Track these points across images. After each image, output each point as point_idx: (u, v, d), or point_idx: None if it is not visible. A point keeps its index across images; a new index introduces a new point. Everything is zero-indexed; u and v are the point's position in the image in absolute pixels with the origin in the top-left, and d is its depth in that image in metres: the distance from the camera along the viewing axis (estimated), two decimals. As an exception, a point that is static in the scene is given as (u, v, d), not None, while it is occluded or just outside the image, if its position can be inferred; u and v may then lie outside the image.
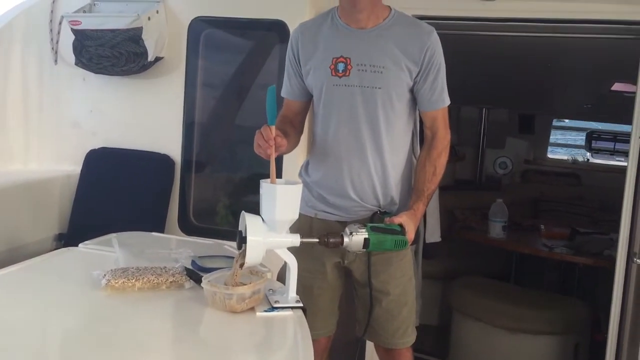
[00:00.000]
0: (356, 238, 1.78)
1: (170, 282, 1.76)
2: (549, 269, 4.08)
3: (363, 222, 1.87)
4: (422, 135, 2.16)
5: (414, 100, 2.06)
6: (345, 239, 1.78)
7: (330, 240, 1.78)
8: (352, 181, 2.02)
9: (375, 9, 2.00)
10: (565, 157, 5.60)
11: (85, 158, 3.13)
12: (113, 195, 3.05)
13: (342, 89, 1.98)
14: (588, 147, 5.47)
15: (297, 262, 1.70)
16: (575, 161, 5.39)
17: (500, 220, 3.81)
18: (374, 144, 2.00)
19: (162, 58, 2.99)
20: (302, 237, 1.72)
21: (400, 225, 1.88)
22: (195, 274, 1.83)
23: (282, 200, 1.64)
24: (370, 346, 2.42)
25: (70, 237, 2.97)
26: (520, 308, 3.40)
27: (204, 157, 3.15)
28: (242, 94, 3.10)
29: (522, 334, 3.33)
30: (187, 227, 2.98)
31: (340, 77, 1.98)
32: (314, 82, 2.05)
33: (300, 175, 2.17)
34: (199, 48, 2.97)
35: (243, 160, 3.18)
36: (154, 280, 1.75)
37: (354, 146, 2.01)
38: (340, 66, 1.97)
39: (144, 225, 2.54)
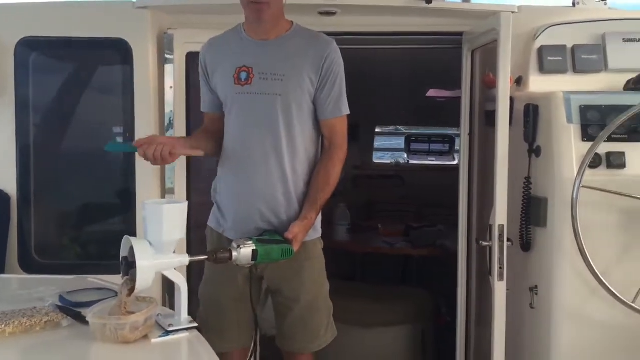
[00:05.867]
0: (244, 251, 1.80)
1: (45, 322, 1.64)
2: (389, 263, 4.37)
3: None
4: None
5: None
6: (234, 253, 1.80)
7: (219, 256, 1.79)
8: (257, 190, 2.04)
9: (279, 22, 2.07)
10: (388, 161, 6.02)
11: None
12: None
13: (244, 97, 2.04)
14: (407, 149, 5.94)
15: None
16: (397, 164, 5.82)
17: (344, 224, 4.02)
18: (274, 149, 2.03)
19: (-14, 85, 2.72)
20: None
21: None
22: (70, 310, 1.71)
23: (169, 220, 1.61)
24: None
25: None
26: (368, 304, 3.57)
27: (43, 187, 2.90)
28: (81, 118, 2.92)
29: (373, 327, 3.48)
30: (30, 266, 2.72)
31: (243, 85, 2.03)
32: (221, 93, 2.10)
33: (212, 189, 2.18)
34: (29, 72, 2.74)
35: (86, 188, 2.99)
36: (26, 323, 1.61)
37: (259, 152, 2.03)
38: (243, 75, 2.03)
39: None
